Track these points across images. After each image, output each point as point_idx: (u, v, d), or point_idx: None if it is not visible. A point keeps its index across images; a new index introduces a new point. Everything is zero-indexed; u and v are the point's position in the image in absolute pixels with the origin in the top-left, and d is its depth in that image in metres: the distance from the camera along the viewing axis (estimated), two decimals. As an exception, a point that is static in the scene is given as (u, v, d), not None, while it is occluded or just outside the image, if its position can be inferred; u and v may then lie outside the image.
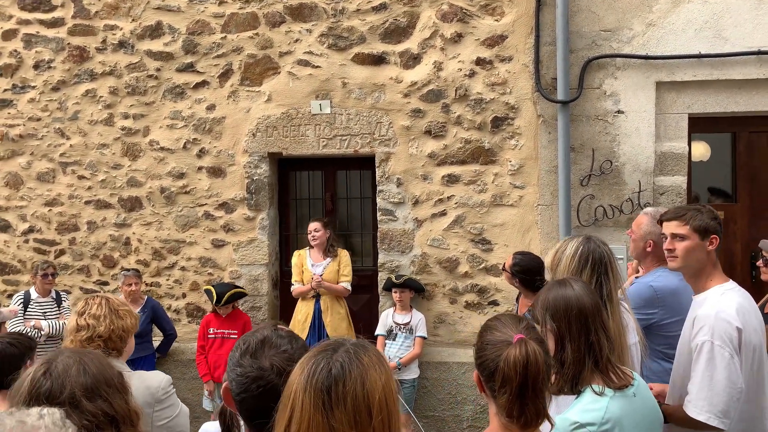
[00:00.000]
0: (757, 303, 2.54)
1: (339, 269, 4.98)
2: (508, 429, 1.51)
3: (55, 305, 5.00)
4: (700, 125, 4.98)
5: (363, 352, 1.20)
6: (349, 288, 4.98)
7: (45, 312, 4.90)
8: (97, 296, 2.25)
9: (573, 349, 1.86)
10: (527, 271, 3.70)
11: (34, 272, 4.97)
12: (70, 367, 1.44)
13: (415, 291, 5.09)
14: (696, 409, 2.19)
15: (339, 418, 1.12)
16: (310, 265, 4.99)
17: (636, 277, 3.18)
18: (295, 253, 5.14)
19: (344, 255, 5.05)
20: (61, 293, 5.16)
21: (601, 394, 1.81)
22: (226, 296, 4.87)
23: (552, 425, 1.56)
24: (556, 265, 2.45)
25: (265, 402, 1.36)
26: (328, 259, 4.98)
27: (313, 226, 5.00)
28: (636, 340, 2.38)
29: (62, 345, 2.55)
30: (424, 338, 4.93)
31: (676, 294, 2.77)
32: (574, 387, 1.85)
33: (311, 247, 5.05)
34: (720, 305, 2.27)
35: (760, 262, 3.27)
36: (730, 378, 2.16)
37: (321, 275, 4.88)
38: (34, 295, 4.97)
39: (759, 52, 4.65)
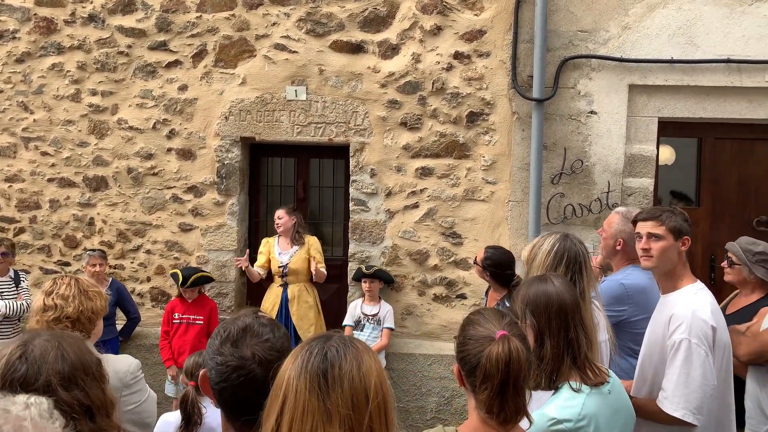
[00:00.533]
0: (719, 303, 2.62)
1: (309, 256, 4.91)
2: (487, 424, 1.51)
3: (13, 285, 4.81)
4: (668, 129, 5.09)
5: (355, 341, 1.19)
6: (325, 272, 4.92)
7: (2, 292, 4.71)
8: (66, 276, 2.17)
9: (552, 345, 1.87)
10: (498, 265, 3.75)
11: None
12: (48, 353, 1.37)
13: (384, 282, 5.08)
14: (672, 405, 2.24)
15: (335, 401, 1.09)
16: (277, 253, 4.95)
17: (604, 275, 3.24)
18: (264, 241, 5.11)
19: (313, 240, 5.00)
20: (20, 273, 4.97)
21: (578, 390, 1.83)
22: (192, 278, 4.78)
23: (531, 422, 1.56)
24: (532, 260, 2.47)
25: (245, 392, 1.34)
26: (296, 247, 4.93)
27: (278, 213, 4.98)
28: (606, 337, 2.42)
29: (26, 326, 2.44)
30: (391, 329, 4.94)
31: (645, 292, 2.84)
32: (551, 383, 1.87)
33: (279, 235, 5.01)
34: (696, 304, 2.33)
35: (724, 263, 3.37)
36: (705, 375, 2.22)
37: (287, 263, 4.85)
38: None
39: (728, 60, 4.77)
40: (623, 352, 2.83)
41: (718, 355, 2.32)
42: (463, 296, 5.21)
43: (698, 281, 2.48)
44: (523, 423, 1.55)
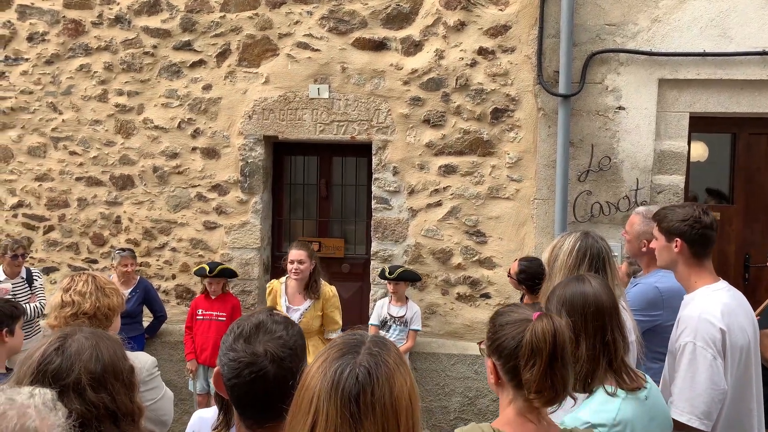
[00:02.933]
0: (755, 308, 2.50)
1: (323, 314, 4.08)
2: (523, 416, 1.48)
3: (26, 285, 4.77)
4: (700, 125, 4.93)
5: (386, 352, 1.14)
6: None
7: (16, 294, 4.67)
8: (84, 273, 2.19)
9: (588, 347, 1.81)
10: (533, 278, 3.67)
11: (3, 252, 4.71)
12: (84, 350, 1.38)
13: (411, 282, 4.99)
14: (677, 410, 2.17)
15: (367, 428, 1.07)
16: (284, 307, 4.07)
17: (634, 277, 3.15)
18: (269, 285, 4.33)
19: (330, 294, 4.10)
20: (33, 271, 4.91)
21: (613, 394, 1.77)
22: (217, 269, 4.82)
23: (574, 401, 1.54)
24: (553, 260, 2.42)
25: (257, 389, 1.34)
26: (309, 302, 4.07)
27: (297, 255, 4.02)
28: (633, 338, 2.34)
29: (44, 322, 2.48)
30: (417, 331, 4.86)
31: (679, 295, 2.73)
32: (586, 386, 1.81)
33: (289, 279, 4.16)
34: (704, 306, 2.24)
35: None
36: (711, 379, 2.14)
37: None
38: (1, 276, 4.75)
39: (764, 53, 4.61)
40: (657, 358, 2.73)
41: (733, 359, 2.21)
42: (487, 295, 5.14)
43: (720, 281, 2.37)
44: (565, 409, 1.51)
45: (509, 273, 3.87)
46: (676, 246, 2.36)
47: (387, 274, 4.79)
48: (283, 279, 4.19)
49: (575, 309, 1.85)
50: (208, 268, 4.84)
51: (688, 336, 2.20)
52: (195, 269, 5.09)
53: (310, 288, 4.06)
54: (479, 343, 1.66)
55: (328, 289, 4.13)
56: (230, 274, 4.98)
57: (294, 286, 4.09)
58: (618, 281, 2.42)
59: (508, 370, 1.50)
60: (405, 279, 4.85)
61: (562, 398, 1.48)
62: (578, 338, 1.83)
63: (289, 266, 4.05)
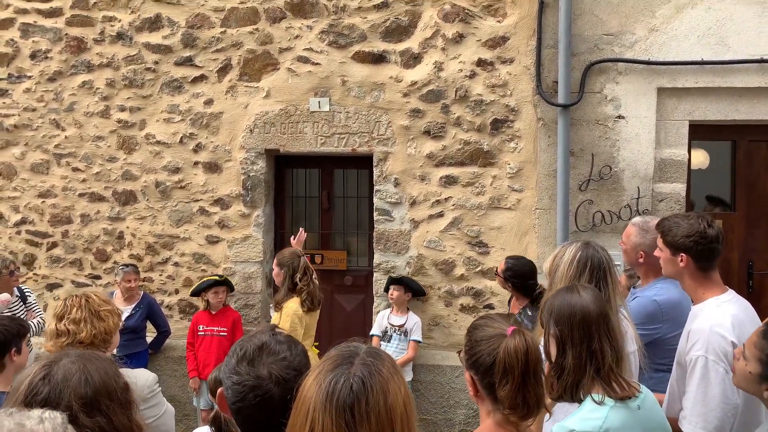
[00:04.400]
0: (761, 317, 2.49)
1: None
2: (506, 423, 1.51)
3: (21, 302, 4.70)
4: (700, 132, 4.95)
5: (380, 362, 1.15)
6: None
7: (12, 310, 4.57)
8: (77, 296, 2.17)
9: (574, 356, 1.83)
10: (519, 276, 3.71)
11: None
12: (72, 375, 1.34)
13: (413, 293, 5.00)
14: (690, 425, 2.16)
15: None
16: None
17: (633, 287, 3.14)
18: None
19: (286, 307, 3.81)
20: (24, 289, 4.81)
21: (600, 403, 1.77)
22: (192, 288, 4.91)
23: (550, 414, 1.58)
24: (554, 270, 2.42)
25: (263, 412, 1.32)
26: (273, 312, 4.00)
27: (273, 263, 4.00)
28: (634, 348, 2.34)
29: (37, 340, 2.46)
30: (418, 342, 4.87)
31: (679, 306, 2.73)
32: (574, 395, 1.82)
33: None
34: (715, 318, 2.23)
35: None
36: (724, 394, 2.13)
37: None
38: None
39: (761, 60, 4.63)
40: (659, 369, 2.72)
41: None
42: (490, 306, 5.13)
43: (727, 291, 2.37)
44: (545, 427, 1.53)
45: (496, 271, 3.89)
46: (682, 261, 2.36)
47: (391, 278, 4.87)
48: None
49: (562, 318, 1.88)
50: (198, 285, 4.87)
51: (699, 350, 2.19)
52: (192, 289, 5.04)
53: (277, 296, 3.93)
54: (458, 353, 1.68)
55: (288, 305, 3.80)
56: (212, 285, 4.87)
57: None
58: (619, 292, 2.42)
59: (485, 386, 1.55)
60: (407, 284, 4.88)
61: (536, 413, 1.52)
62: (564, 347, 1.85)
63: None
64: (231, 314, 4.97)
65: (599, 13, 4.86)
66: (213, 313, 4.90)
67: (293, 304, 3.82)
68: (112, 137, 5.57)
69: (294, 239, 4.38)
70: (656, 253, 2.52)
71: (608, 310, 1.94)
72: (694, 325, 2.27)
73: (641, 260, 2.88)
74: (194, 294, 4.98)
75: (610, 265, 2.39)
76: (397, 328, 4.85)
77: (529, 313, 3.58)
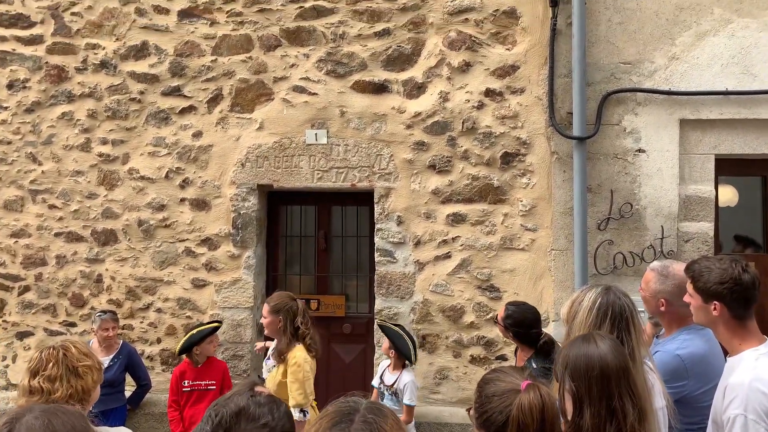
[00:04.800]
0: None
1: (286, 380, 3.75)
2: None
3: None
4: (727, 167, 5.02)
5: (382, 419, 1.16)
6: (302, 417, 3.63)
7: None
8: (54, 348, 2.16)
9: (592, 415, 1.82)
10: (520, 324, 3.67)
11: None
12: None
13: (398, 352, 4.48)
14: None
15: None
16: (269, 356, 4.06)
17: (656, 337, 3.15)
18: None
19: (292, 360, 3.74)
20: None
21: None
22: (179, 346, 4.64)
23: None
24: (572, 318, 2.43)
25: None
26: (272, 363, 3.92)
27: (263, 309, 3.94)
28: (663, 404, 2.34)
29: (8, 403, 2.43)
30: (411, 406, 4.42)
31: (705, 360, 2.72)
32: None
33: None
34: (753, 373, 2.22)
35: None
36: None
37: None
38: None
39: (790, 91, 4.73)
40: (690, 430, 2.69)
41: None
42: (503, 357, 5.11)
43: (766, 342, 2.37)
44: None
45: (496, 318, 3.86)
46: (715, 309, 2.36)
47: (377, 322, 4.44)
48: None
49: (578, 372, 1.87)
50: (191, 337, 4.66)
51: (737, 407, 2.18)
52: (180, 346, 4.75)
53: (277, 347, 3.87)
54: (468, 410, 1.68)
55: (294, 354, 3.74)
56: (199, 340, 4.71)
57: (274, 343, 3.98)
58: (643, 342, 2.42)
59: None
60: (389, 337, 4.48)
61: None
62: (581, 404, 1.84)
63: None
64: (218, 364, 4.88)
65: (615, 41, 4.99)
66: (199, 365, 4.75)
67: (301, 352, 3.75)
68: (93, 172, 5.64)
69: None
70: (686, 299, 2.52)
71: (629, 363, 1.94)
72: (731, 379, 2.26)
73: (663, 309, 2.88)
74: (187, 349, 4.65)
75: (633, 313, 2.39)
76: (387, 387, 4.51)
77: (534, 365, 3.56)
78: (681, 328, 2.82)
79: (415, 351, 4.50)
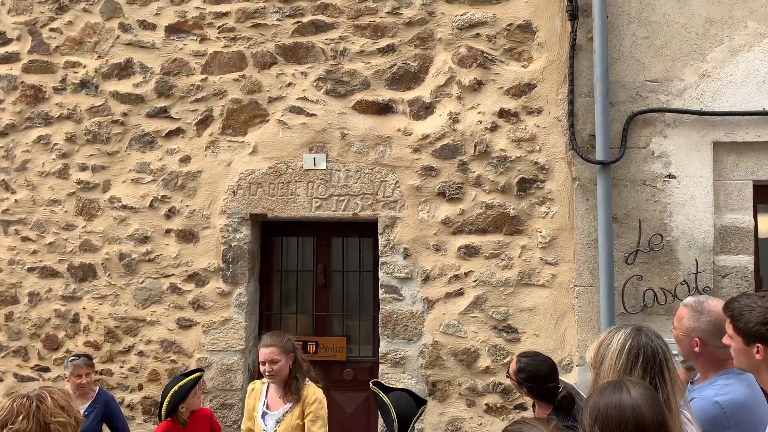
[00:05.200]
0: None
1: (304, 422, 3.87)
2: None
3: None
4: (767, 195, 4.99)
5: None
6: None
7: None
8: (28, 398, 2.11)
9: None
10: (534, 378, 3.57)
11: None
12: None
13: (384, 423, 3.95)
14: None
15: None
16: (260, 412, 4.01)
17: (691, 383, 3.09)
18: (251, 385, 4.24)
19: (312, 398, 3.91)
20: None
21: None
22: (164, 409, 4.15)
23: None
24: (599, 362, 2.39)
25: None
26: (288, 405, 3.94)
27: (267, 354, 3.91)
28: (702, 460, 2.28)
29: None
30: None
31: (747, 407, 2.67)
32: None
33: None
34: None
35: None
36: None
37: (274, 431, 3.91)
38: None
39: (834, 110, 4.73)
40: None
41: None
42: (522, 406, 5.04)
43: None
44: None
45: (508, 372, 3.76)
46: (758, 352, 2.33)
47: (371, 384, 3.87)
48: (266, 380, 4.08)
49: (609, 425, 1.83)
50: (164, 408, 4.34)
51: None
52: (165, 409, 4.25)
53: (288, 387, 3.93)
54: None
55: (312, 391, 3.93)
56: (182, 399, 4.28)
57: (274, 387, 4.04)
58: (679, 389, 2.38)
59: None
60: (376, 401, 3.84)
61: None
62: None
63: (262, 368, 3.97)
64: (202, 414, 4.65)
65: (641, 57, 5.01)
66: (186, 424, 4.49)
67: (315, 389, 3.94)
68: (70, 201, 5.65)
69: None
70: (725, 340, 2.49)
71: (666, 414, 1.90)
72: None
73: (697, 349, 2.83)
74: (173, 410, 4.25)
75: (667, 356, 2.35)
76: None
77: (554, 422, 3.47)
78: (719, 372, 2.77)
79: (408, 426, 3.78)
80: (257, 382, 4.20)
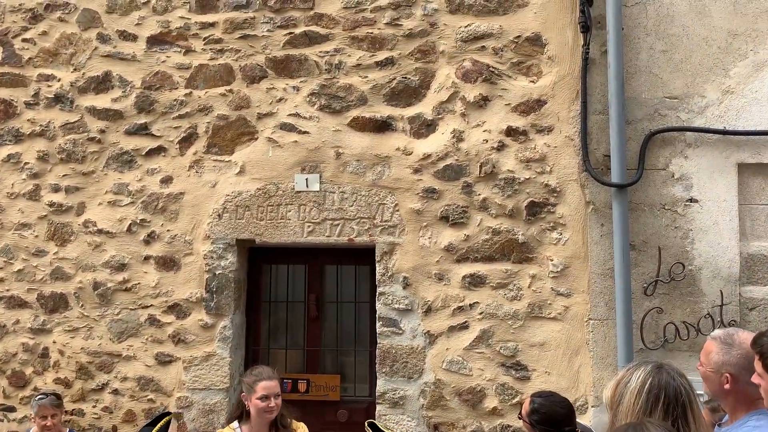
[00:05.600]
0: None
1: None
2: None
3: None
4: (797, 220, 5.03)
5: None
6: None
7: None
8: None
9: None
10: (550, 421, 3.57)
11: None
12: None
13: None
14: None
15: None
16: None
17: (718, 425, 3.09)
18: None
19: (302, 426, 4.05)
20: None
21: None
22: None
23: None
24: (617, 402, 2.40)
25: None
26: None
27: (272, 387, 3.91)
28: None
29: None
30: None
31: None
32: None
33: (247, 419, 3.92)
34: None
35: None
36: None
37: None
38: None
39: None
40: None
41: None
42: (531, 450, 5.01)
43: None
44: None
45: (520, 413, 3.76)
46: None
47: (366, 426, 4.09)
48: (235, 425, 3.96)
49: None
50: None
51: None
52: None
53: (276, 426, 3.89)
54: None
55: (300, 424, 4.01)
56: (167, 425, 4.51)
57: (258, 428, 3.90)
58: (707, 430, 2.38)
59: None
60: None
61: None
62: None
63: (261, 403, 3.83)
64: None
65: (659, 72, 5.08)
66: None
67: (301, 423, 4.05)
68: (41, 225, 5.66)
69: None
70: (754, 379, 2.50)
71: None
72: None
73: (727, 386, 2.83)
74: None
75: (691, 397, 2.36)
76: None
77: None
78: (749, 413, 2.76)
79: None
80: (226, 430, 4.04)
